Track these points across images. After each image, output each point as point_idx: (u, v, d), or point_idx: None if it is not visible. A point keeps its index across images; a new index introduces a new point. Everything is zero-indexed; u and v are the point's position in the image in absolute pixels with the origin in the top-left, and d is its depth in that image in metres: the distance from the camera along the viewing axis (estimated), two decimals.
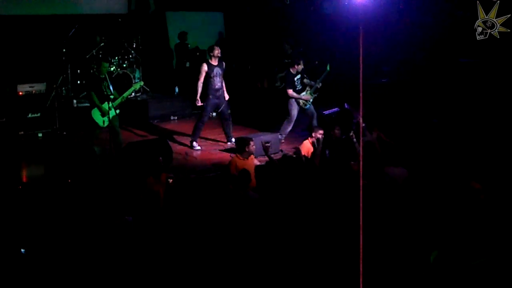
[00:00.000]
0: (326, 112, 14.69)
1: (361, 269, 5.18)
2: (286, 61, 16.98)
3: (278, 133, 13.97)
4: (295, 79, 14.11)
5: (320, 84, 14.25)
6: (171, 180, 10.04)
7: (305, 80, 14.28)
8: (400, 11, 16.80)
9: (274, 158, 11.49)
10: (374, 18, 14.31)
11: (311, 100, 14.18)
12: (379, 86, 16.67)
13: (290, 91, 13.99)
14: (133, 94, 15.03)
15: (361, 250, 5.21)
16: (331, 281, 7.29)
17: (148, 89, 16.73)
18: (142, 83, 13.77)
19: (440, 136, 12.62)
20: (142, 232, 8.89)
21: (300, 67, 14.17)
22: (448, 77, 15.46)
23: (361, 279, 5.17)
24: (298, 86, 14.13)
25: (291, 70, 14.15)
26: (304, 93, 14.15)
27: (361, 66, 5.58)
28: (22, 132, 14.16)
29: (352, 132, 12.12)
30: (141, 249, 8.40)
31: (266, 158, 11.74)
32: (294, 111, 14.09)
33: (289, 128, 14.15)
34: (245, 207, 9.15)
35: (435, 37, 16.43)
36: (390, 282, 7.18)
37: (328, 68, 14.18)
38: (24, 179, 11.94)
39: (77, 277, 7.77)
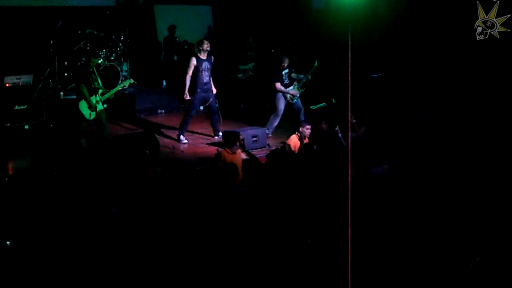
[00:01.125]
0: (313, 107, 14.70)
1: (349, 264, 5.19)
2: (250, 54, 17.03)
3: (265, 128, 13.98)
4: (283, 73, 14.12)
5: (310, 77, 14.26)
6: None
7: (292, 75, 14.29)
8: (389, 6, 16.82)
9: (263, 152, 11.48)
10: (363, 13, 14.37)
11: (298, 95, 14.19)
12: (368, 81, 16.70)
13: (278, 85, 14.00)
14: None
15: (349, 245, 5.22)
16: (319, 276, 7.30)
17: (135, 82, 16.72)
18: (132, 80, 13.69)
19: (428, 132, 12.65)
20: (128, 225, 8.87)
21: (287, 61, 14.18)
22: (436, 73, 15.51)
23: (349, 275, 5.18)
24: (285, 81, 14.15)
25: (279, 64, 14.17)
26: (291, 87, 14.16)
27: (349, 62, 5.59)
28: (8, 124, 14.09)
29: (337, 127, 12.14)
30: (126, 241, 8.39)
31: (253, 153, 11.77)
32: (281, 105, 14.10)
33: (276, 123, 14.16)
34: (233, 201, 9.14)
35: (424, 33, 16.47)
36: (378, 277, 7.19)
37: (316, 64, 14.19)
38: (11, 171, 11.88)
39: (62, 269, 7.75)
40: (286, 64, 14.19)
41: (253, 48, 17.37)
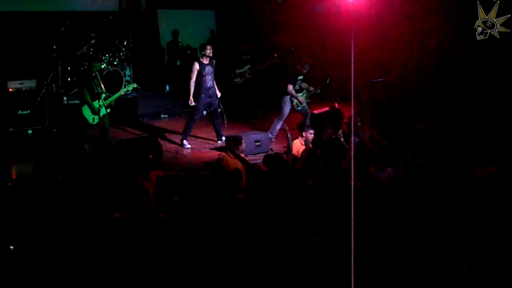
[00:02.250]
0: (316, 112, 14.70)
1: (352, 269, 5.18)
2: (245, 57, 17.06)
3: (269, 132, 13.97)
4: (298, 78, 14.15)
5: (319, 91, 14.38)
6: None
7: (302, 84, 14.33)
8: (392, 11, 16.81)
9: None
10: (366, 18, 14.36)
11: (304, 104, 14.21)
12: (372, 85, 16.71)
13: (290, 87, 14.03)
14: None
15: (352, 251, 5.21)
16: (322, 282, 7.27)
17: (138, 87, 16.78)
18: (135, 85, 13.68)
19: (431, 136, 12.63)
20: (131, 230, 8.86)
21: (307, 68, 14.21)
22: (439, 77, 15.50)
23: (352, 280, 5.17)
24: (296, 86, 14.16)
25: (298, 68, 14.18)
26: (300, 94, 14.18)
27: (352, 66, 5.58)
28: (11, 129, 14.11)
29: (340, 130, 12.12)
30: (130, 246, 8.37)
31: (256, 157, 11.76)
32: (286, 109, 14.12)
33: (279, 126, 14.13)
34: (237, 206, 9.11)
35: (427, 36, 16.46)
36: (381, 283, 7.17)
37: (328, 81, 14.28)
38: (14, 176, 11.89)
39: (66, 274, 7.74)
40: (305, 71, 14.22)
41: (248, 52, 17.39)
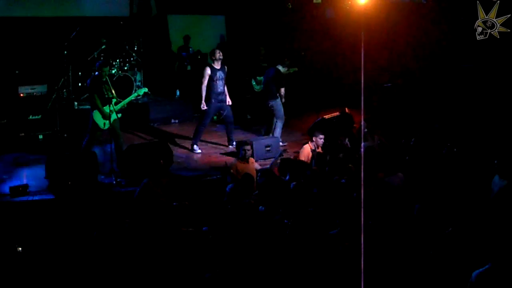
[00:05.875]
0: (327, 117, 14.68)
1: (362, 274, 5.16)
2: (263, 64, 17.09)
3: (276, 136, 13.94)
4: None
5: None
6: None
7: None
8: (402, 15, 16.80)
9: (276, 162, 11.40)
10: (376, 23, 14.35)
11: None
12: (382, 90, 16.69)
13: (283, 90, 14.11)
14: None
15: (362, 254, 5.19)
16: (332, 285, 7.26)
17: (149, 92, 16.78)
18: (146, 89, 13.64)
19: (442, 141, 12.59)
20: (141, 235, 8.87)
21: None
22: (450, 82, 15.46)
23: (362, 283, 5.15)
24: None
25: (280, 69, 14.22)
26: None
27: (362, 71, 5.58)
28: (23, 134, 14.15)
29: (346, 139, 12.10)
30: (139, 252, 8.38)
31: (267, 162, 11.75)
32: (282, 109, 14.15)
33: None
34: (250, 212, 9.10)
35: (437, 41, 16.43)
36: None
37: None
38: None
39: (73, 279, 7.76)
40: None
41: (264, 59, 17.40)
